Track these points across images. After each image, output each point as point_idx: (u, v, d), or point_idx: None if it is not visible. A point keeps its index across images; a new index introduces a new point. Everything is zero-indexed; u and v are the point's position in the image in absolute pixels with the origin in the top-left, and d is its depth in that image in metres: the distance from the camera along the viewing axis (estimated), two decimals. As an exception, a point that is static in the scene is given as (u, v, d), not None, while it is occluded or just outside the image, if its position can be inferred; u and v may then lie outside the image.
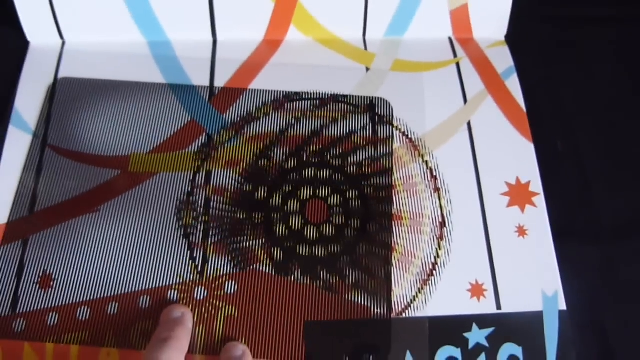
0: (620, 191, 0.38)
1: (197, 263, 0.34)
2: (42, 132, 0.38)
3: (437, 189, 0.37)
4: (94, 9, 0.40)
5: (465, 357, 0.32)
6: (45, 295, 0.33)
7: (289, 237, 0.35)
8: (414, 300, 0.34)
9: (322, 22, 0.42)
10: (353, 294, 0.34)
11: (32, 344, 0.32)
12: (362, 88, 0.41)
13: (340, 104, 0.40)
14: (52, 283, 0.33)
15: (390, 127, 0.39)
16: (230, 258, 0.34)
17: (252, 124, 0.39)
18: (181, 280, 0.34)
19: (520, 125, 0.40)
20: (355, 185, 0.37)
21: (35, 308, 0.33)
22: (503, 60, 0.42)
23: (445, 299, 0.34)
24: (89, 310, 0.33)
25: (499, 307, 0.34)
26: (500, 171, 0.38)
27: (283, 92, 0.40)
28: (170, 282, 0.34)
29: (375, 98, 0.40)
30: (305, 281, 0.34)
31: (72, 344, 0.32)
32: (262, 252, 0.35)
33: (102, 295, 0.33)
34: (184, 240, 0.35)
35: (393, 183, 0.37)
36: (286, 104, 0.40)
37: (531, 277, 0.35)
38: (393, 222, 0.36)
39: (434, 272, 0.35)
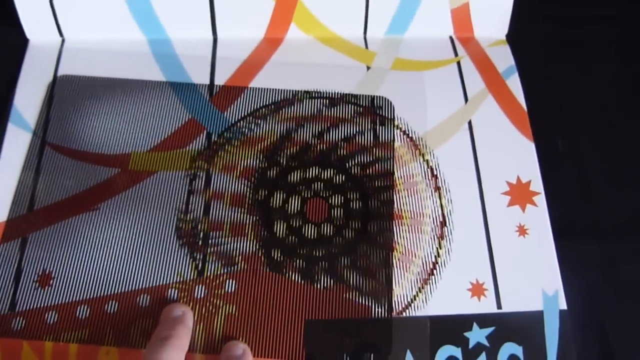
0: (621, 190, 0.38)
1: (197, 262, 0.34)
2: (42, 130, 0.38)
3: (437, 188, 0.37)
4: (93, 7, 0.40)
5: (465, 357, 0.32)
6: (45, 293, 0.33)
7: (289, 237, 0.35)
8: (415, 299, 0.34)
9: (323, 21, 0.42)
10: (353, 293, 0.34)
11: (31, 342, 0.32)
12: (363, 87, 0.40)
13: (341, 103, 0.40)
14: (51, 281, 0.33)
15: (392, 126, 0.39)
16: (230, 257, 0.34)
17: (253, 123, 0.39)
18: (181, 279, 0.34)
19: (521, 125, 0.40)
20: (357, 185, 0.37)
21: (35, 306, 0.32)
22: (504, 59, 0.42)
23: (446, 298, 0.34)
24: (88, 309, 0.33)
25: (499, 306, 0.34)
26: (501, 170, 0.38)
27: (284, 90, 0.40)
28: (170, 281, 0.33)
29: (377, 96, 0.40)
30: (305, 280, 0.34)
31: (71, 343, 0.32)
32: (262, 251, 0.35)
33: (101, 294, 0.33)
34: (184, 239, 0.35)
35: (393, 182, 0.37)
36: (287, 104, 0.39)
37: (531, 276, 0.35)
38: (393, 222, 0.36)
39: (435, 271, 0.35)
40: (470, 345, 0.33)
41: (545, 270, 0.35)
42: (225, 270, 0.34)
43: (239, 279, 0.34)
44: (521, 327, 0.33)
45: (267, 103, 0.39)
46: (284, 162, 0.37)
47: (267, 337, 0.32)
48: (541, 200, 0.37)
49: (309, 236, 0.35)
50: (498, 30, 0.44)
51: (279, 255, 0.34)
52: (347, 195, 0.36)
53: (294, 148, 0.38)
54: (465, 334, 0.33)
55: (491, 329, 0.33)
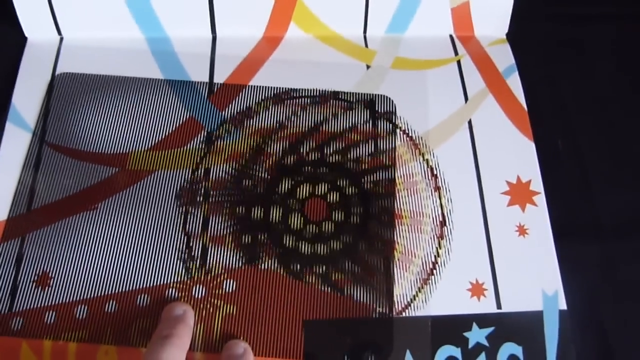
0: (621, 190, 0.38)
1: (195, 261, 0.34)
2: (40, 129, 0.37)
3: (437, 188, 0.37)
4: (92, 5, 0.40)
5: (465, 357, 0.32)
6: (43, 293, 0.33)
7: (288, 235, 0.35)
8: (414, 299, 0.34)
9: (323, 19, 0.42)
10: (353, 292, 0.34)
11: (30, 342, 0.32)
12: (363, 85, 0.40)
13: (340, 101, 0.39)
14: (50, 281, 0.33)
15: (392, 125, 0.39)
16: (229, 256, 0.34)
17: (251, 119, 0.38)
18: (180, 279, 0.33)
19: (521, 124, 0.39)
20: (356, 182, 0.37)
21: (33, 306, 0.32)
22: (504, 58, 0.42)
23: (446, 298, 0.34)
24: (87, 309, 0.32)
25: (499, 306, 0.34)
26: (501, 170, 0.38)
27: (283, 88, 0.40)
28: (169, 281, 0.33)
29: (377, 95, 0.40)
30: (305, 279, 0.34)
31: (70, 342, 0.32)
32: (262, 249, 0.34)
33: (100, 294, 0.33)
34: (183, 238, 0.35)
35: (395, 182, 0.37)
36: (286, 101, 0.39)
37: (531, 276, 0.35)
38: (394, 221, 0.36)
39: (434, 271, 0.34)
40: (470, 345, 0.33)
41: (545, 270, 0.35)
42: (225, 270, 0.34)
43: (239, 279, 0.34)
44: (521, 327, 0.33)
45: (267, 99, 0.39)
46: (285, 161, 0.37)
47: (267, 337, 0.32)
48: (541, 200, 0.37)
49: (309, 236, 0.35)
50: (498, 29, 0.43)
51: (279, 254, 0.34)
52: (346, 195, 0.36)
53: (293, 145, 0.38)
54: (465, 334, 0.33)
55: (491, 329, 0.33)
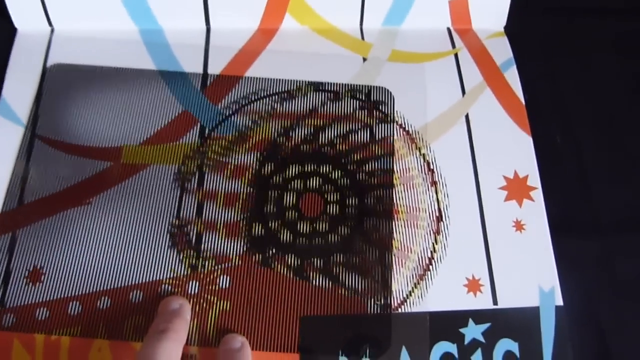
0: (619, 186, 0.38)
1: (189, 257, 0.34)
2: (31, 122, 0.37)
3: (434, 183, 0.37)
4: (83, -4, 0.39)
5: (461, 353, 0.32)
6: (35, 289, 0.32)
7: (284, 231, 0.35)
8: (410, 295, 0.33)
9: (319, 11, 0.42)
10: (350, 288, 0.33)
11: (22, 339, 0.31)
12: (359, 78, 0.40)
13: (339, 93, 0.39)
14: (42, 277, 0.33)
15: (391, 119, 0.38)
16: (223, 252, 0.34)
17: (249, 113, 0.38)
18: (174, 275, 0.33)
19: (518, 118, 0.39)
20: (353, 179, 0.36)
21: (25, 303, 0.32)
22: (502, 51, 0.42)
23: (442, 294, 0.34)
24: (80, 305, 0.32)
25: (495, 302, 0.34)
26: (498, 165, 0.38)
27: (280, 80, 0.39)
28: (163, 277, 0.33)
29: (374, 86, 0.39)
30: (300, 275, 0.33)
31: (63, 337, 0.31)
32: (257, 247, 0.34)
33: (93, 290, 0.32)
34: (178, 233, 0.34)
35: (392, 177, 0.37)
36: (282, 95, 0.39)
37: (528, 272, 0.34)
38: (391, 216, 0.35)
39: (431, 266, 0.34)
40: (466, 342, 0.33)
41: (541, 266, 0.35)
42: (219, 266, 0.33)
43: (233, 275, 0.33)
44: (517, 323, 0.33)
45: (264, 94, 0.39)
46: (279, 157, 0.37)
47: (262, 334, 0.32)
48: (538, 195, 0.37)
49: (304, 231, 0.35)
50: (496, 21, 0.43)
51: (273, 251, 0.34)
52: (343, 190, 0.36)
53: (290, 142, 0.37)
54: (461, 330, 0.33)
55: (487, 325, 0.33)
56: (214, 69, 0.40)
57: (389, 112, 0.39)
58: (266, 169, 0.36)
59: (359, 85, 0.39)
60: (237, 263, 0.34)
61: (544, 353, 0.32)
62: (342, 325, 0.33)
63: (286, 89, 0.39)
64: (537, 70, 0.41)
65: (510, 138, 0.38)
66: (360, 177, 0.36)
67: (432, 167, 0.37)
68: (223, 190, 0.35)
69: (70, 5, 0.40)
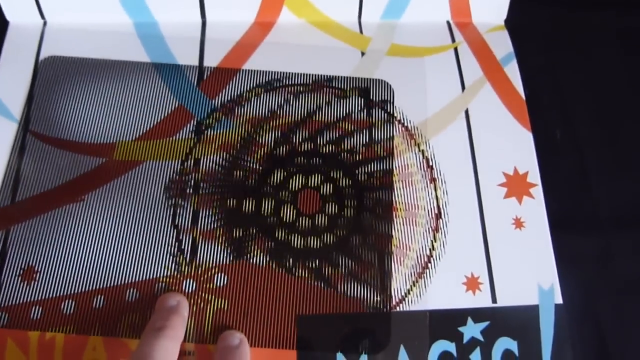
0: (620, 182, 0.38)
1: (185, 255, 0.33)
2: (24, 117, 0.36)
3: (433, 179, 0.36)
4: (76, -13, 0.39)
5: (459, 352, 0.32)
6: (28, 288, 0.32)
7: (281, 227, 0.34)
8: (408, 293, 0.33)
9: (316, 4, 0.41)
10: (348, 286, 0.33)
11: (15, 336, 0.31)
12: (357, 72, 0.39)
13: (335, 89, 0.38)
14: (35, 275, 0.32)
15: (387, 114, 0.38)
16: (220, 249, 0.33)
17: (243, 107, 0.37)
18: (169, 273, 0.33)
19: (519, 114, 0.39)
20: (350, 173, 0.36)
21: (18, 302, 0.32)
22: (502, 45, 0.41)
23: (440, 293, 0.33)
24: (74, 304, 0.32)
25: (494, 300, 0.33)
26: (498, 161, 0.37)
27: (279, 72, 0.38)
28: (158, 275, 0.33)
29: (373, 80, 0.39)
30: (298, 273, 0.33)
31: (57, 335, 0.31)
32: (253, 242, 0.34)
33: (87, 289, 0.32)
34: (172, 231, 0.34)
35: (392, 174, 0.36)
36: (278, 89, 0.38)
37: (527, 270, 0.34)
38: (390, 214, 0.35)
39: (429, 264, 0.34)
40: (465, 340, 0.32)
41: (541, 264, 0.34)
42: (215, 264, 0.33)
43: (230, 273, 0.33)
44: (516, 321, 0.33)
45: (259, 86, 0.38)
46: (277, 152, 0.36)
47: (259, 332, 0.32)
48: (538, 192, 0.36)
49: (303, 228, 0.34)
50: (497, 15, 0.42)
51: (271, 248, 0.34)
52: (340, 187, 0.36)
53: (285, 135, 0.37)
54: (460, 328, 0.32)
55: (486, 323, 0.33)
56: (210, 61, 0.39)
57: (389, 107, 0.38)
58: (263, 164, 0.36)
59: (359, 79, 0.39)
60: (233, 261, 0.33)
61: (543, 352, 0.32)
62: (340, 322, 0.32)
63: (282, 84, 0.38)
64: (537, 64, 0.41)
65: (510, 134, 0.38)
66: (361, 177, 0.36)
67: (431, 163, 0.37)
68: (219, 182, 0.35)
69: (62, -3, 0.39)
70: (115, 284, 0.32)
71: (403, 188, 0.36)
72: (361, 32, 0.41)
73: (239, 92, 0.38)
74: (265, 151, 0.36)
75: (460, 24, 0.42)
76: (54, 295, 0.32)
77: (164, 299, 0.31)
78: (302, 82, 0.38)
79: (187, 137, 0.36)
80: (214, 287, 0.33)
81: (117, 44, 0.39)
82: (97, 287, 0.32)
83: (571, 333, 0.33)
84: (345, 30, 0.41)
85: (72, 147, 0.35)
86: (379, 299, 0.33)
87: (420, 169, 0.37)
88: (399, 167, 0.36)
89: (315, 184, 0.35)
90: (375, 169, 0.36)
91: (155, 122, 0.37)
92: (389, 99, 0.38)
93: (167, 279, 0.33)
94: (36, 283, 0.32)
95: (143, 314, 0.32)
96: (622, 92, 0.41)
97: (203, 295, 0.32)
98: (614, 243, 0.36)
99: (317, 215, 0.35)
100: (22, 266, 0.32)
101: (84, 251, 0.33)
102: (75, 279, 0.32)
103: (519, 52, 0.41)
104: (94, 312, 0.32)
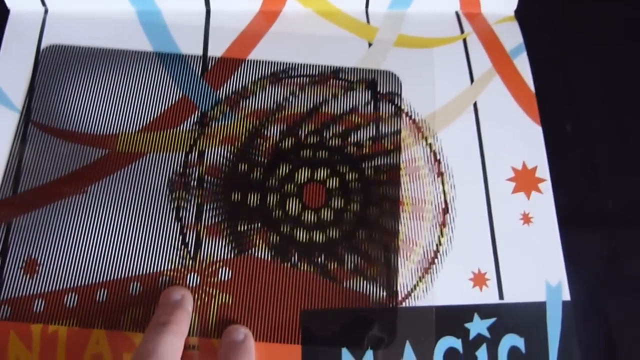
0: (630, 178, 0.37)
1: (189, 248, 0.33)
2: (25, 106, 0.36)
3: (440, 174, 0.36)
4: (78, -25, 0.38)
5: (466, 348, 0.32)
6: (31, 281, 0.32)
7: (285, 221, 0.34)
8: (415, 289, 0.33)
9: (323, -7, 0.40)
10: (353, 281, 0.33)
11: (18, 329, 0.30)
12: (364, 63, 0.39)
13: (341, 81, 0.38)
14: (37, 268, 0.32)
15: (395, 107, 0.37)
16: (224, 243, 0.33)
17: (248, 99, 0.37)
18: (173, 267, 0.32)
19: (528, 107, 0.38)
20: (357, 166, 0.35)
21: (21, 294, 0.31)
22: (512, 37, 0.40)
23: (447, 288, 0.33)
24: (77, 297, 0.31)
25: (501, 297, 0.33)
26: (507, 155, 0.36)
27: (282, 65, 0.38)
28: (162, 269, 0.32)
29: (380, 71, 0.38)
30: (303, 268, 0.33)
31: (60, 328, 0.31)
32: (258, 236, 0.33)
33: (90, 282, 0.32)
34: (176, 224, 0.33)
35: (399, 169, 0.36)
36: (284, 80, 0.38)
37: (535, 266, 0.34)
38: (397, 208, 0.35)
39: (436, 260, 0.34)
40: (471, 337, 0.32)
41: (549, 260, 0.34)
42: (219, 258, 0.33)
43: (234, 267, 0.33)
44: (523, 318, 0.33)
45: (264, 78, 0.37)
46: (282, 145, 0.36)
47: (263, 327, 0.31)
48: (547, 187, 0.36)
49: (308, 222, 0.34)
50: (506, 5, 0.41)
51: (276, 242, 0.33)
52: (346, 181, 0.35)
53: (292, 125, 0.36)
54: (466, 324, 0.32)
55: (492, 319, 0.32)
56: (215, 51, 0.38)
57: (397, 100, 0.37)
58: (268, 157, 0.35)
59: (366, 70, 0.38)
60: (237, 255, 0.33)
61: (550, 349, 0.32)
62: (345, 317, 0.32)
63: (287, 75, 0.38)
64: (547, 56, 0.40)
65: (520, 127, 0.37)
66: (367, 171, 0.35)
67: (438, 157, 0.36)
68: (224, 175, 0.35)
69: (64, -16, 0.38)
70: (119, 277, 0.32)
71: (410, 182, 0.35)
72: (368, 22, 0.41)
73: (244, 83, 0.37)
74: (271, 144, 0.36)
75: (469, 15, 0.41)
76: (57, 288, 0.32)
77: (168, 292, 0.31)
78: (308, 73, 0.38)
79: (191, 128, 0.36)
80: (218, 281, 0.32)
81: (119, 33, 0.38)
82: (100, 280, 0.32)
83: (578, 330, 0.32)
84: (352, 20, 0.41)
85: (74, 138, 0.35)
86: (384, 294, 0.32)
87: (428, 162, 0.36)
88: (406, 160, 0.36)
89: (321, 178, 0.35)
90: (382, 162, 0.36)
91: (158, 113, 0.36)
92: (396, 91, 0.38)
93: (171, 273, 0.32)
94: (39, 276, 0.32)
95: (146, 307, 0.31)
96: (633, 85, 0.40)
97: (207, 289, 0.32)
98: (623, 240, 0.35)
99: (322, 209, 0.34)
100: (25, 258, 0.32)
101: (87, 244, 0.33)
102: (78, 272, 0.32)
103: (529, 43, 0.40)
104: (97, 306, 0.31)
